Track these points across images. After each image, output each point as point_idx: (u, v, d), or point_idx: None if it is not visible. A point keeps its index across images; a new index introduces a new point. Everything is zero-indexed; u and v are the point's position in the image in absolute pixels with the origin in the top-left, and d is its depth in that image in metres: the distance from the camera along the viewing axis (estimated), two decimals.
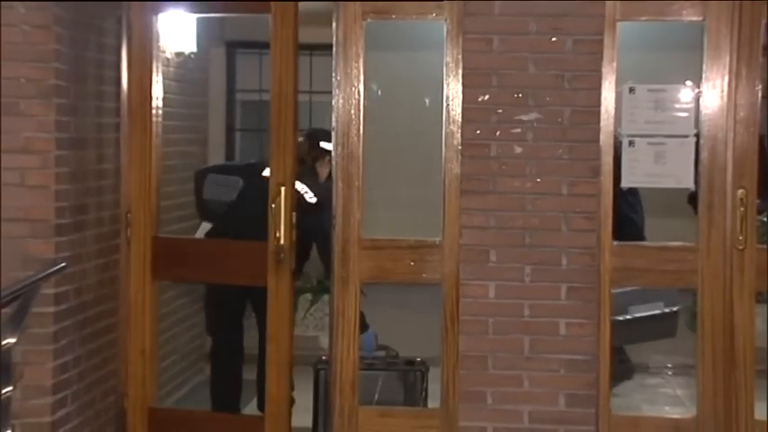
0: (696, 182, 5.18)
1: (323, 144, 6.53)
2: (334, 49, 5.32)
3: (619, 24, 5.13)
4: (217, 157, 8.31)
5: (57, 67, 5.09)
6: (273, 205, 5.36)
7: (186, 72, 7.17)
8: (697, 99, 5.18)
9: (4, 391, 4.76)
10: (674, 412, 6.66)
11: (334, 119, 5.34)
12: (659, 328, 6.61)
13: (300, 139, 6.46)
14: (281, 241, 5.36)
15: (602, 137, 5.15)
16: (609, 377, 5.15)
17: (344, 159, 5.31)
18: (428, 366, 6.20)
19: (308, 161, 6.55)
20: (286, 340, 5.45)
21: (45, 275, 5.01)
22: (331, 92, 5.37)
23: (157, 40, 5.71)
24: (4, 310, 4.89)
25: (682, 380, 7.38)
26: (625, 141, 5.22)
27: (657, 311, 6.54)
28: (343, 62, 5.29)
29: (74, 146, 5.27)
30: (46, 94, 5.06)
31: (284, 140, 5.43)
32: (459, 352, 5.20)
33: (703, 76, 5.15)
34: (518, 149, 5.19)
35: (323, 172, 6.62)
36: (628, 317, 6.43)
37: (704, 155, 5.16)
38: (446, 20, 5.22)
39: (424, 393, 6.18)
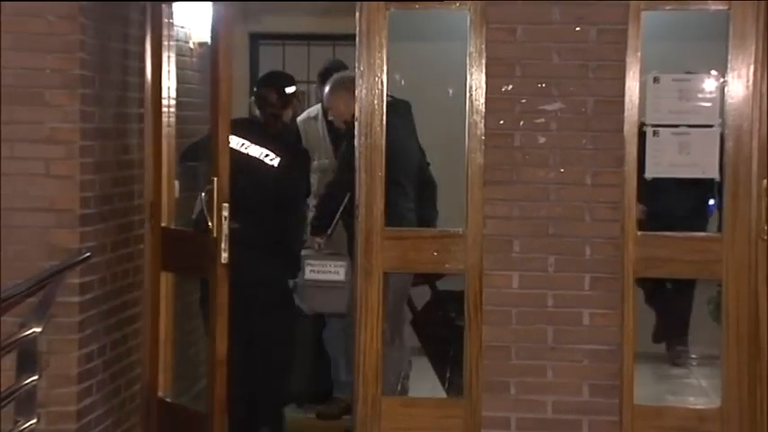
0: (721, 172, 5.17)
1: (288, 89, 6.08)
2: (357, 39, 5.31)
3: (643, 13, 5.11)
4: None
5: (82, 58, 5.10)
6: (205, 195, 5.19)
7: (209, 63, 7.16)
8: (722, 89, 5.16)
9: (29, 379, 4.80)
10: (698, 403, 6.63)
11: (357, 109, 5.34)
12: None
13: (264, 90, 6.09)
14: (214, 234, 5.18)
15: (626, 127, 5.13)
16: (633, 367, 5.14)
17: (367, 149, 5.30)
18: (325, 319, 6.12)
19: (280, 112, 6.05)
20: (222, 336, 5.20)
21: (70, 265, 5.04)
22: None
23: (170, 30, 5.68)
24: (29, 300, 4.93)
25: (706, 370, 7.35)
26: (649, 131, 5.20)
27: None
28: (367, 52, 5.29)
29: (99, 136, 5.29)
30: (71, 85, 5.08)
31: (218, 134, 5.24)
32: (483, 342, 5.20)
33: (728, 65, 5.12)
34: (542, 139, 5.18)
35: (286, 116, 6.15)
36: None
37: (729, 145, 5.14)
38: (469, 9, 5.21)
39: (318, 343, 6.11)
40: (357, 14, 5.31)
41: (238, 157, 5.66)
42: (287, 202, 5.93)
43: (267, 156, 5.92)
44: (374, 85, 5.29)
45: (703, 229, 6.30)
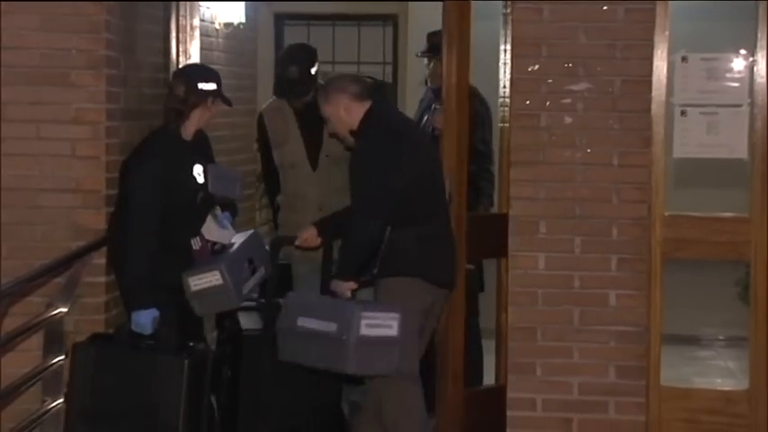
0: (750, 152, 5.13)
1: (202, 85, 5.03)
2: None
3: None
4: None
5: (107, 38, 5.11)
6: None
7: (235, 43, 7.17)
8: (751, 68, 5.10)
9: (56, 359, 4.82)
10: (725, 384, 6.62)
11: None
12: None
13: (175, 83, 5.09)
14: None
15: (653, 107, 5.09)
16: (659, 349, 5.11)
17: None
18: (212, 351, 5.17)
19: (186, 111, 5.00)
20: None
21: (96, 245, 5.05)
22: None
23: (197, 11, 5.63)
24: (56, 280, 4.94)
25: (733, 352, 7.32)
26: (677, 111, 5.16)
27: None
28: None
29: (124, 117, 5.30)
30: (97, 65, 5.09)
31: None
32: (509, 323, 5.19)
33: (757, 44, 5.07)
34: (568, 120, 5.15)
35: (200, 121, 5.08)
36: None
37: (758, 125, 5.09)
38: None
39: (208, 379, 4.96)
40: None
41: None
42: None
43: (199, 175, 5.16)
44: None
45: None
